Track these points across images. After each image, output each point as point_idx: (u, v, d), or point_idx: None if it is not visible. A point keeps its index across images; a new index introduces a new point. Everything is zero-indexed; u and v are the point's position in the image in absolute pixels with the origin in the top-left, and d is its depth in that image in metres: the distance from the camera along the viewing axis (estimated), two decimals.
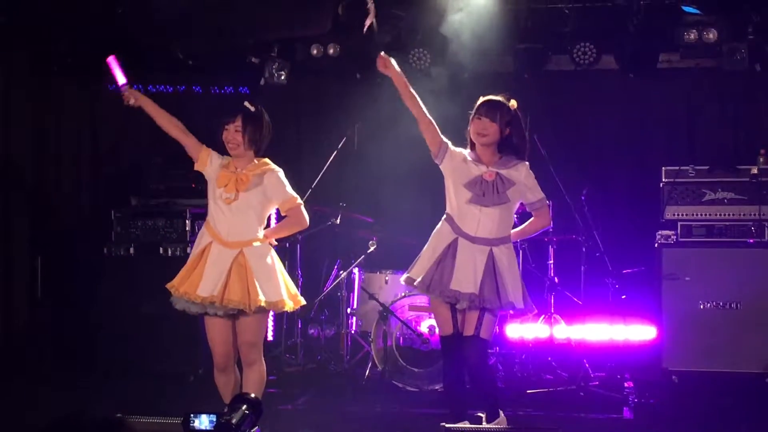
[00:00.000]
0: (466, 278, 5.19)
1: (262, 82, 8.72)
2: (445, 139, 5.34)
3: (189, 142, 5.45)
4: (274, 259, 5.42)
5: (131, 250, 7.98)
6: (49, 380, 7.68)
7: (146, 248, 7.95)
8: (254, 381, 5.44)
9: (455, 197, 5.30)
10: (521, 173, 5.35)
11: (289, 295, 5.41)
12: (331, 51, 8.60)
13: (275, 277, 5.38)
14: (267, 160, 5.49)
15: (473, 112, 5.36)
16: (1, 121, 8.63)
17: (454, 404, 5.42)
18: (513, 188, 5.32)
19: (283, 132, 9.27)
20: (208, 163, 5.42)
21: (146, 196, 8.25)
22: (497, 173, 5.28)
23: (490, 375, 5.51)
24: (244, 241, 5.34)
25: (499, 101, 5.34)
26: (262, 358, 5.48)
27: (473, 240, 5.25)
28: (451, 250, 5.24)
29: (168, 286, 5.38)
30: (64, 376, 7.76)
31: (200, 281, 5.27)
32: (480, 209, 5.25)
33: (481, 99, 5.39)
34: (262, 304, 5.27)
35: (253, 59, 8.74)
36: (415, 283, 5.31)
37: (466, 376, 5.42)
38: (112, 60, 5.39)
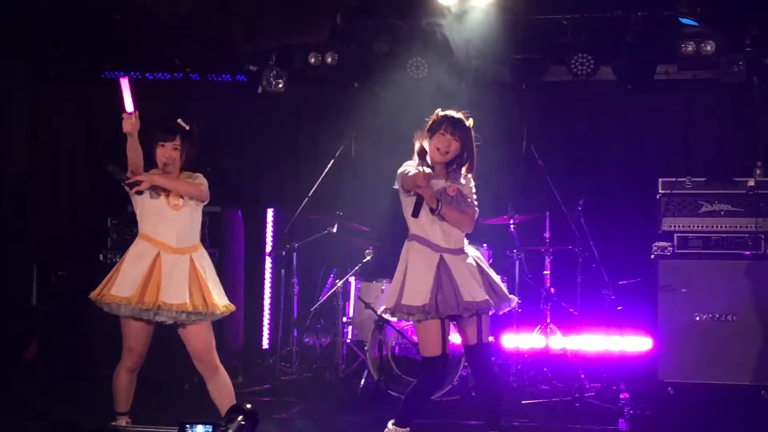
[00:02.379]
0: (474, 288, 5.18)
1: (259, 90, 8.71)
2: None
3: None
4: (210, 263, 5.57)
5: None
6: (44, 388, 7.64)
7: None
8: (227, 388, 5.47)
9: (422, 215, 5.20)
10: (469, 185, 5.35)
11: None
12: (329, 59, 8.60)
13: (217, 280, 5.54)
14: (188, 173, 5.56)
15: (434, 125, 5.27)
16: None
17: (410, 414, 5.35)
18: (467, 199, 5.32)
19: (281, 140, 9.32)
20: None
21: None
22: (458, 188, 5.27)
23: (500, 382, 5.48)
24: (191, 246, 5.46)
25: (461, 120, 5.28)
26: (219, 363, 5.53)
27: (456, 252, 5.25)
28: (442, 268, 5.18)
29: (123, 298, 5.32)
30: (59, 384, 7.73)
31: (160, 290, 5.30)
32: (447, 223, 5.25)
33: (442, 114, 5.30)
34: (221, 308, 5.42)
35: (251, 67, 8.74)
36: (424, 309, 5.12)
37: (484, 385, 5.37)
38: (125, 82, 5.23)
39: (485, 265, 5.36)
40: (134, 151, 5.26)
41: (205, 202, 5.55)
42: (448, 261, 5.20)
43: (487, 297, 5.18)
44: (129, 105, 5.18)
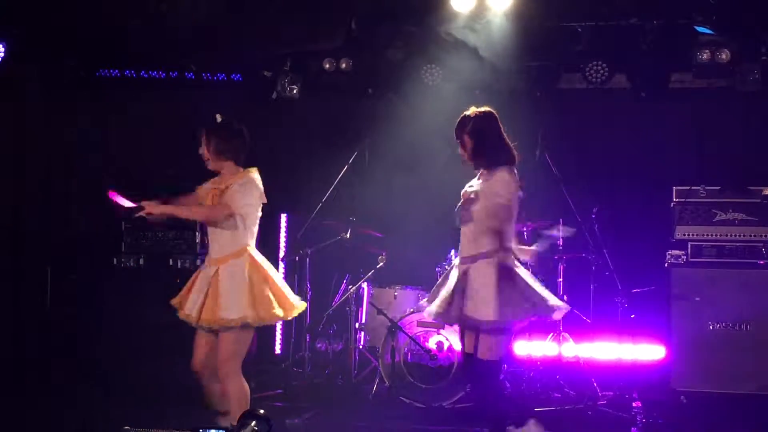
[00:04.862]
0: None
1: (274, 95, 8.73)
2: None
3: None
4: (246, 273, 5.35)
5: (141, 261, 7.99)
6: (57, 390, 7.67)
7: (156, 259, 7.97)
8: (230, 395, 5.43)
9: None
10: (491, 181, 5.20)
11: (255, 308, 5.32)
12: (343, 65, 8.61)
13: (244, 291, 5.30)
14: (251, 169, 5.53)
15: None
16: (15, 133, 8.67)
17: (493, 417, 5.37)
18: (478, 203, 5.19)
19: (295, 145, 9.32)
20: (202, 197, 5.52)
21: None
22: (474, 192, 5.26)
23: (491, 395, 5.37)
24: (222, 256, 5.37)
25: (460, 119, 5.34)
26: (236, 374, 5.41)
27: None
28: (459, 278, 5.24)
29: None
30: (72, 386, 7.75)
31: (187, 300, 5.41)
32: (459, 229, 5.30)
33: None
34: (219, 323, 5.29)
35: (266, 73, 8.76)
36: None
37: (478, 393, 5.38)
38: (114, 195, 5.31)
39: (477, 282, 5.32)
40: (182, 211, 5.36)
41: (230, 217, 5.41)
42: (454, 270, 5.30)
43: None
44: (128, 204, 5.27)
